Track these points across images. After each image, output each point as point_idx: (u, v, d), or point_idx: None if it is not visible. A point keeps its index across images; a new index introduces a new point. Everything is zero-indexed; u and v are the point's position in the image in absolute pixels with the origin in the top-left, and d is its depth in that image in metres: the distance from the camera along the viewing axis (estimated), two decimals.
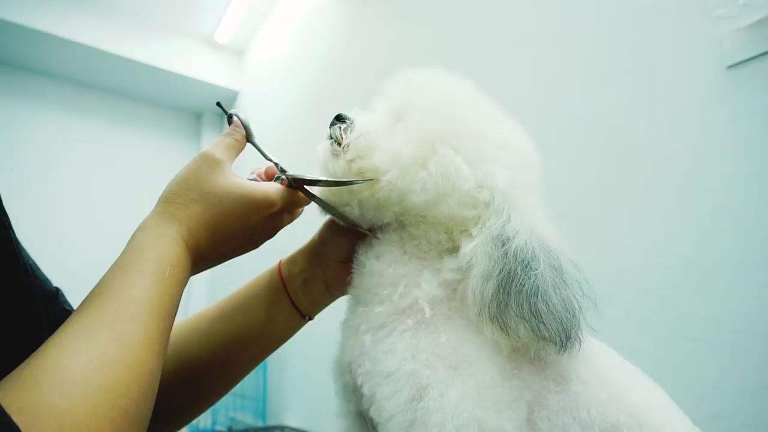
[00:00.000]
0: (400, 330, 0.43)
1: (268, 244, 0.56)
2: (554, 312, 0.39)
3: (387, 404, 0.40)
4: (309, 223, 0.62)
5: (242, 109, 3.51)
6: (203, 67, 3.44)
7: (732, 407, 0.80)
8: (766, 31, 0.82)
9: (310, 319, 0.61)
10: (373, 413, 0.41)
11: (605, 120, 1.08)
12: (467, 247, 0.43)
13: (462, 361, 0.40)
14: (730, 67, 0.86)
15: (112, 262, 0.43)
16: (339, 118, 0.52)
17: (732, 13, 0.86)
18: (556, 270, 0.40)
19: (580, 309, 0.40)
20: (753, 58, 0.84)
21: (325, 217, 0.58)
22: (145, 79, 3.38)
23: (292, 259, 0.61)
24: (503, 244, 0.41)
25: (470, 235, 0.44)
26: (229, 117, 0.59)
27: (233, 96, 3.62)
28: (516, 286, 0.39)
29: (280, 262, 0.61)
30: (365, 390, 0.43)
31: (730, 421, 0.80)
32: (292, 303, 0.59)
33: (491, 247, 0.41)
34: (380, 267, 0.48)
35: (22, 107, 3.19)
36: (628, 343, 0.95)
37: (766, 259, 0.79)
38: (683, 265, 0.90)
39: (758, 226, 0.80)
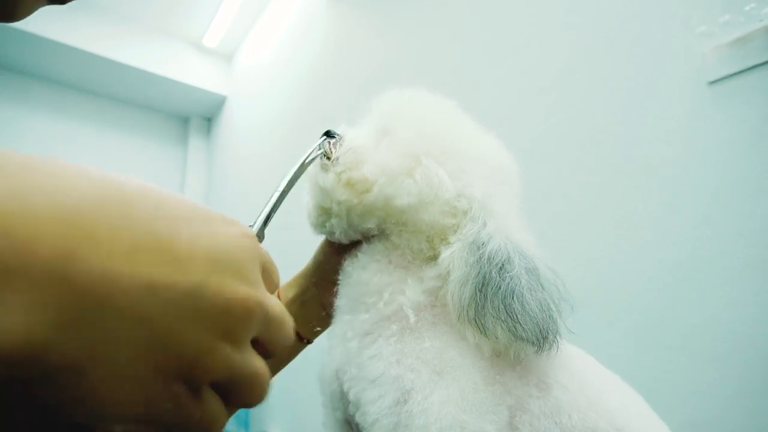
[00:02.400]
0: (385, 336, 0.44)
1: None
2: (530, 313, 0.40)
3: (372, 408, 0.41)
4: (308, 247, 0.63)
5: (230, 114, 3.51)
6: (191, 71, 3.42)
7: (713, 415, 0.82)
8: (746, 49, 0.84)
9: (309, 342, 0.61)
10: (358, 418, 0.42)
11: (594, 128, 1.10)
12: (445, 254, 0.45)
13: (446, 366, 0.41)
14: (711, 82, 0.89)
15: None
16: (328, 134, 0.54)
17: (713, 31, 0.88)
18: (531, 273, 0.42)
19: (558, 311, 0.42)
20: (733, 74, 0.86)
21: (319, 239, 0.60)
22: (133, 83, 3.36)
23: (290, 284, 0.62)
24: (478, 249, 0.42)
25: (449, 243, 0.45)
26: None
27: (221, 100, 3.61)
28: (492, 288, 0.41)
29: (279, 287, 0.61)
30: (351, 395, 0.43)
31: (710, 429, 0.81)
32: None
33: (467, 253, 0.43)
34: (366, 276, 0.49)
35: (8, 109, 3.15)
36: (611, 349, 0.96)
37: (747, 267, 0.81)
38: (666, 273, 0.91)
39: (740, 234, 0.82)
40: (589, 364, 0.48)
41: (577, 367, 0.46)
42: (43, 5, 0.41)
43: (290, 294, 0.60)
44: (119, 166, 3.55)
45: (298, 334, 0.59)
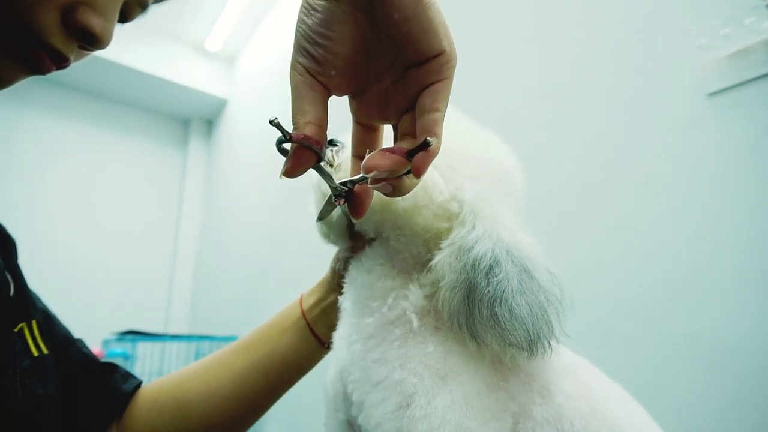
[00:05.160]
0: (389, 340, 0.44)
1: (294, 282, 0.56)
2: (518, 318, 0.39)
3: (375, 412, 0.41)
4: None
5: (231, 117, 3.51)
6: (193, 74, 3.43)
7: (709, 424, 0.82)
8: (745, 62, 0.85)
9: (330, 347, 0.61)
10: (361, 421, 0.42)
11: (593, 138, 1.10)
12: (435, 260, 0.44)
13: (450, 371, 0.41)
14: (710, 94, 0.90)
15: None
16: (331, 143, 0.54)
17: (713, 43, 0.89)
18: (522, 275, 0.41)
19: (554, 314, 0.41)
20: (732, 87, 0.87)
21: (334, 249, 0.61)
22: (134, 85, 3.36)
23: (312, 291, 0.63)
24: (464, 254, 0.42)
25: (441, 248, 0.45)
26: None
27: (222, 104, 3.62)
28: (478, 294, 0.40)
29: (301, 294, 0.64)
30: (354, 397, 0.44)
31: None
32: (312, 332, 0.61)
33: (455, 258, 0.42)
34: (370, 280, 0.49)
35: (9, 110, 3.15)
36: (606, 357, 0.96)
37: (744, 277, 0.81)
38: (662, 283, 0.92)
39: (737, 246, 0.83)
40: (593, 373, 0.48)
41: (581, 376, 0.46)
42: (24, 77, 0.43)
43: (311, 300, 0.62)
44: (119, 167, 3.55)
45: (319, 339, 0.61)
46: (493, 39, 1.43)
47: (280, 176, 0.33)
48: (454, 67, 0.33)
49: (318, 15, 0.32)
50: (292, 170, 0.33)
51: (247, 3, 2.98)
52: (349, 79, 0.35)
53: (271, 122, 0.31)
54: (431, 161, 0.31)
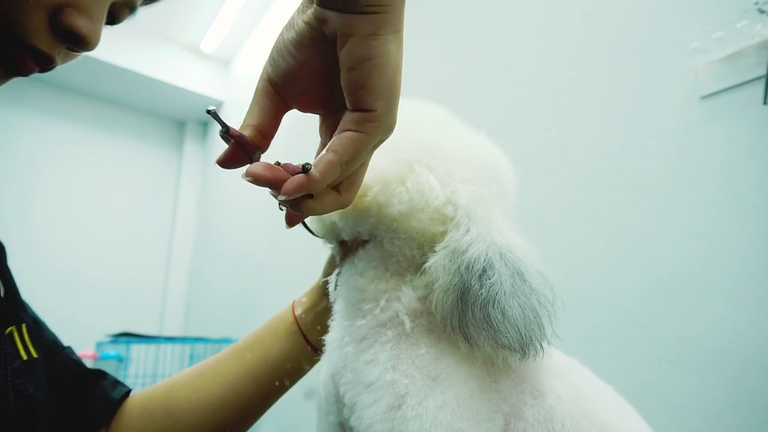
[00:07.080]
0: (381, 342, 0.44)
1: (290, 284, 0.56)
2: (511, 320, 0.39)
3: (366, 413, 0.41)
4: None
5: (227, 119, 3.48)
6: (188, 76, 3.42)
7: (704, 427, 0.82)
8: (738, 65, 0.86)
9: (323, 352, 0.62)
10: (353, 422, 0.42)
11: (588, 142, 1.11)
12: (429, 262, 0.44)
13: (442, 372, 0.41)
14: (704, 97, 0.90)
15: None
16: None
17: (706, 47, 0.90)
18: (515, 278, 0.41)
19: (545, 315, 0.41)
20: (725, 89, 0.87)
21: (327, 253, 0.61)
22: (129, 86, 3.35)
23: (303, 297, 0.63)
24: (458, 257, 0.42)
25: (435, 251, 0.45)
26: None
27: (218, 105, 3.61)
28: (471, 296, 0.40)
29: (293, 301, 0.64)
30: (346, 399, 0.43)
31: None
32: (304, 338, 0.61)
33: (448, 261, 0.42)
34: (363, 282, 0.49)
35: (4, 111, 3.14)
36: (601, 361, 0.97)
37: (740, 280, 0.82)
38: (657, 287, 0.92)
39: (731, 250, 0.83)
40: (585, 375, 0.49)
41: (573, 378, 0.46)
42: (7, 80, 0.42)
43: (304, 306, 0.62)
44: (114, 168, 3.54)
45: (312, 344, 0.60)
46: (493, 39, 1.43)
47: (215, 162, 0.35)
48: (378, 129, 0.34)
49: (293, 33, 0.34)
50: (223, 162, 0.35)
51: (243, 5, 2.98)
52: (307, 101, 0.37)
53: (208, 111, 0.33)
54: (303, 189, 0.32)
